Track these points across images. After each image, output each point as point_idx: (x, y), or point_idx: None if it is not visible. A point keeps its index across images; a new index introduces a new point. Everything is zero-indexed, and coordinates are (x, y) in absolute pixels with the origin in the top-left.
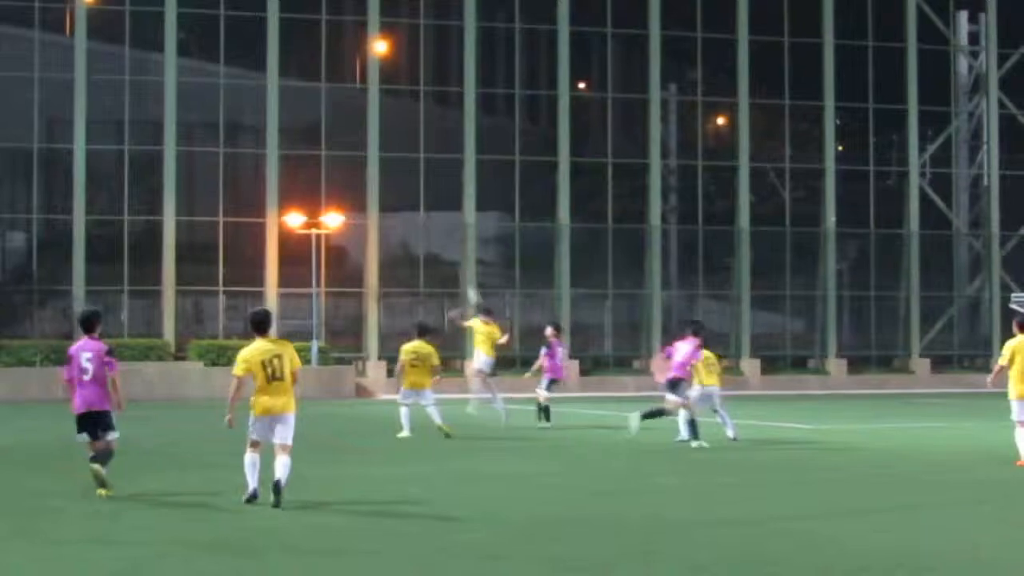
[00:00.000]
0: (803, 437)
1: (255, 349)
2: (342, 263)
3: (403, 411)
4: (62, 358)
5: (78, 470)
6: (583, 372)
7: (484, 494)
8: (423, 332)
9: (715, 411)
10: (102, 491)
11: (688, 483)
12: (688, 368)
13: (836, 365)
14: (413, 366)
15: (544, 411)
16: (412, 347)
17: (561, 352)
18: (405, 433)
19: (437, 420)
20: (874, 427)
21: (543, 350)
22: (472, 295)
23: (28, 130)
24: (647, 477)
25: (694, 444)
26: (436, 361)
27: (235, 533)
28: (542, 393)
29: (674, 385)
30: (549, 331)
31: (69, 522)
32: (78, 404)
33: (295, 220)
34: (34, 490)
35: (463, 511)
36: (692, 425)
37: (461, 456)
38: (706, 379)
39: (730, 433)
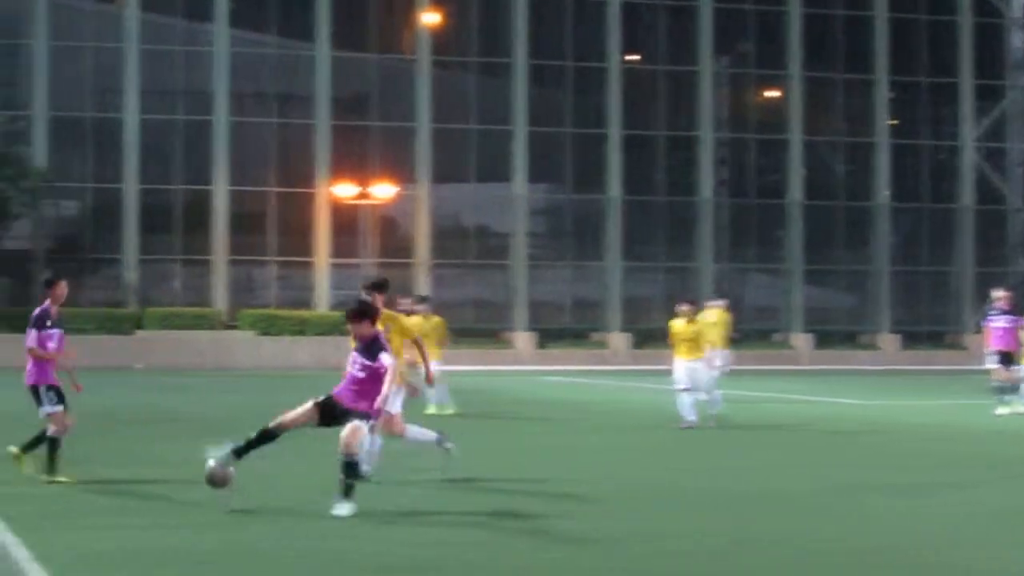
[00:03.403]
0: (853, 413)
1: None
2: (392, 234)
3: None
4: (114, 327)
5: (125, 437)
6: (635, 345)
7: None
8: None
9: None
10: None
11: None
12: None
13: (888, 340)
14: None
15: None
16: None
17: None
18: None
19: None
20: (928, 403)
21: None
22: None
23: (81, 100)
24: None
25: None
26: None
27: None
28: None
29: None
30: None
31: (114, 490)
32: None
33: (346, 191)
34: (81, 457)
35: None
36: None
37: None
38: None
39: None
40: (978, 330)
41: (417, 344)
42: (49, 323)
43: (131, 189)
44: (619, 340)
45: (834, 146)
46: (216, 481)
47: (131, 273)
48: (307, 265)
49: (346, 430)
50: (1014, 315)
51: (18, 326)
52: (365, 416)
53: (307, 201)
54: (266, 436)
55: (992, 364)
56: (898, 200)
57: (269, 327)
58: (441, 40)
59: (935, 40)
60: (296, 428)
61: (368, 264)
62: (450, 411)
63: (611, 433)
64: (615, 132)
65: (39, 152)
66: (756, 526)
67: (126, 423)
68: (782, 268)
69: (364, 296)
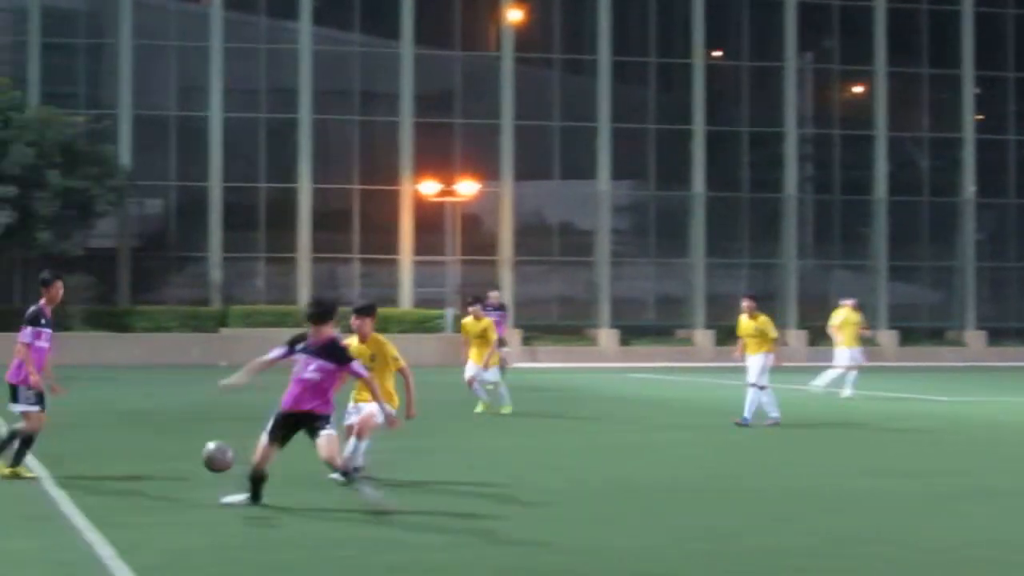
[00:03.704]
0: (939, 410)
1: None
2: (476, 231)
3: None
4: (198, 324)
5: (208, 435)
6: (719, 341)
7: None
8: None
9: None
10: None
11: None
12: None
13: (974, 337)
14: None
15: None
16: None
17: None
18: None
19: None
20: (1016, 400)
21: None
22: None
23: (165, 98)
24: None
25: None
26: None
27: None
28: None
29: None
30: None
31: (196, 487)
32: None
33: (429, 188)
34: (168, 454)
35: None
36: None
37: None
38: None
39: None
40: None
41: (403, 374)
42: (43, 321)
43: (215, 187)
44: (703, 337)
45: (919, 142)
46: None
47: (215, 271)
48: (391, 263)
49: (322, 448)
50: None
51: (103, 324)
52: (325, 417)
53: (391, 198)
54: (258, 479)
55: None
56: (984, 196)
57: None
58: (525, 37)
59: (1022, 34)
60: (272, 460)
61: (451, 261)
62: (506, 410)
63: (693, 429)
64: (699, 128)
65: (124, 151)
66: (845, 524)
67: (214, 420)
68: (867, 265)
69: (323, 297)
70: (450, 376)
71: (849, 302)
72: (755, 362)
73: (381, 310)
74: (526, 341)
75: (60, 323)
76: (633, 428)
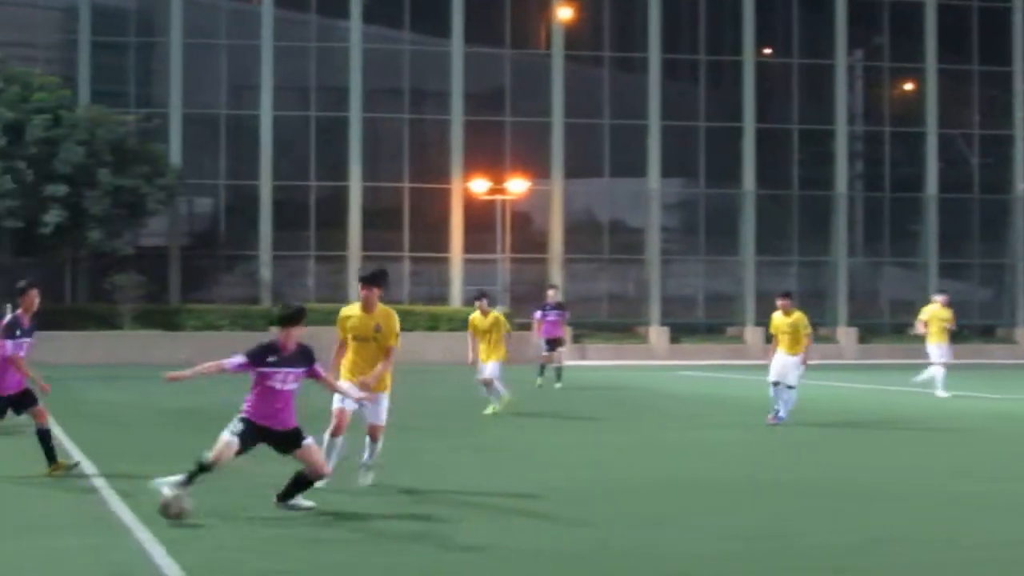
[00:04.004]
0: (990, 408)
1: None
2: (526, 229)
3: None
4: (248, 323)
5: None
6: (769, 340)
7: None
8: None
9: None
10: None
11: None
12: None
13: None
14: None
15: None
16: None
17: None
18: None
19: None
20: None
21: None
22: None
23: (216, 97)
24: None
25: None
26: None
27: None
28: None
29: None
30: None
31: (245, 486)
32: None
33: (480, 186)
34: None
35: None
36: None
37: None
38: None
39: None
40: None
41: (387, 354)
42: (19, 332)
43: (265, 185)
44: (753, 335)
45: (969, 139)
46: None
47: (265, 269)
48: (441, 261)
49: (311, 460)
50: None
51: (154, 323)
52: (299, 431)
53: (441, 196)
54: (206, 471)
55: None
56: None
57: (402, 322)
58: (575, 35)
59: None
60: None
61: (502, 259)
62: (489, 410)
63: (743, 428)
64: (749, 126)
65: (174, 149)
66: (889, 523)
67: None
68: (917, 262)
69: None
70: (503, 374)
71: (940, 298)
72: (788, 361)
73: (431, 308)
74: (576, 339)
75: (110, 321)
76: (682, 426)
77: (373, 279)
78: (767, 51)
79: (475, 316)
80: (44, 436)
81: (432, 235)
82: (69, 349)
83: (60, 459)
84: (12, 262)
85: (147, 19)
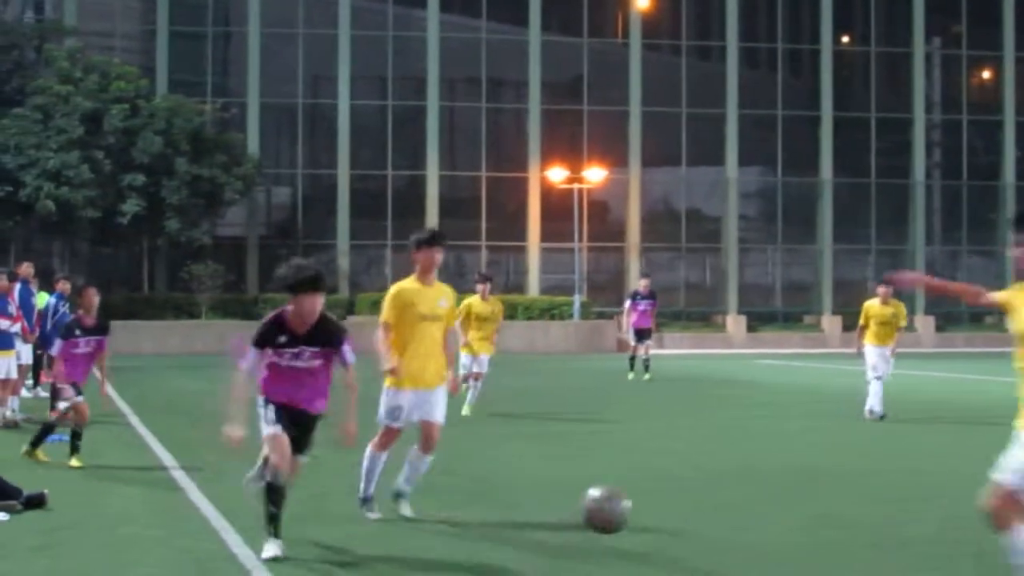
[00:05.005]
0: None
1: None
2: (603, 218)
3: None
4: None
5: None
6: (845, 328)
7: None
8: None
9: None
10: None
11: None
12: None
13: None
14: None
15: None
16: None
17: None
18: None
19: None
20: None
21: None
22: None
23: (293, 86)
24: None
25: None
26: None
27: None
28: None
29: None
30: None
31: (318, 476)
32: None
33: (557, 175)
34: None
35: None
36: None
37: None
38: None
39: None
40: None
41: (449, 333)
42: (78, 331)
43: (343, 175)
44: (831, 323)
45: None
46: None
47: (343, 259)
48: (518, 250)
49: (300, 466)
50: None
51: (232, 312)
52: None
53: (518, 185)
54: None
55: None
56: None
57: None
58: (653, 23)
59: None
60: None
61: (579, 248)
62: (466, 411)
63: (821, 417)
64: (827, 114)
65: (252, 139)
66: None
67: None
68: (995, 250)
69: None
70: (579, 363)
71: None
72: (880, 354)
73: (508, 297)
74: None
75: (187, 311)
76: (760, 414)
77: (434, 239)
78: (845, 39)
79: (474, 301)
80: (72, 435)
81: (509, 224)
82: (147, 339)
83: (40, 453)
84: (90, 251)
85: (225, 9)
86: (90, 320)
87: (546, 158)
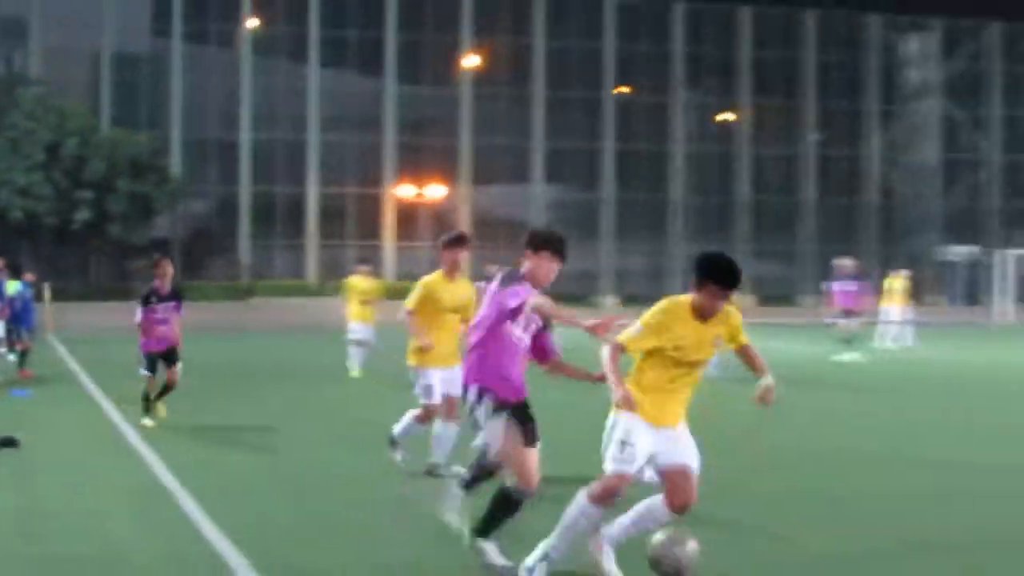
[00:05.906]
0: None
1: None
2: (442, 224)
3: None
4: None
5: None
6: None
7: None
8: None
9: None
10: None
11: None
12: None
13: None
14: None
15: None
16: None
17: None
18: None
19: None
20: None
21: None
22: None
23: (208, 123)
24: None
25: None
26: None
27: None
28: None
29: None
30: None
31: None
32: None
33: (407, 191)
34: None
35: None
36: None
37: None
38: None
39: None
40: None
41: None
42: (155, 299)
43: (244, 192)
44: None
45: None
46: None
47: (245, 255)
48: (376, 248)
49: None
50: None
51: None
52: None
53: (377, 199)
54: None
55: None
56: None
57: None
58: (479, 74)
59: None
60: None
61: (423, 247)
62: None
63: None
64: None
65: (175, 163)
66: None
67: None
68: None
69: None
70: None
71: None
72: None
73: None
74: None
75: (125, 295)
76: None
77: (463, 239)
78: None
79: (358, 280)
80: (167, 388)
81: (371, 228)
82: (95, 317)
83: (161, 410)
84: (51, 251)
85: (156, 63)
86: (165, 289)
87: (399, 178)
